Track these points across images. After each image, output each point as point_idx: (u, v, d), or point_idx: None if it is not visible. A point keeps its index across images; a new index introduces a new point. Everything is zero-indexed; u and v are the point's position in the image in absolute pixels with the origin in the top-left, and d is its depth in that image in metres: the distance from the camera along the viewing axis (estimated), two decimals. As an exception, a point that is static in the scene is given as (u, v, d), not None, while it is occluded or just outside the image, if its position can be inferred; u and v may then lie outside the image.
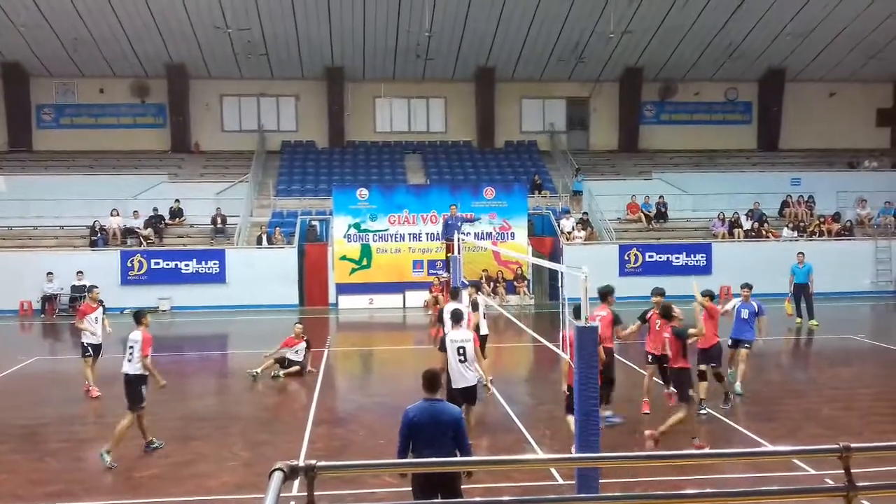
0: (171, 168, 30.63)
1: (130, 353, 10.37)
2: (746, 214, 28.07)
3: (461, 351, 9.93)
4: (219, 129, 32.73)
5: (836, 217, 28.55)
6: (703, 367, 11.73)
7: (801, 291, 20.11)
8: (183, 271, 24.97)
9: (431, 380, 6.88)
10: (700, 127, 33.90)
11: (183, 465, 9.98)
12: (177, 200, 27.57)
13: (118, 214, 26.51)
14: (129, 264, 24.80)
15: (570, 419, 9.27)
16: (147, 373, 10.34)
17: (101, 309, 14.03)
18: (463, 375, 9.90)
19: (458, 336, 10.07)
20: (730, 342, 12.97)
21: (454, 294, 13.09)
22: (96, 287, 14.75)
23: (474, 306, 12.92)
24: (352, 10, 27.97)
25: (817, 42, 30.88)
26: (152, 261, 24.94)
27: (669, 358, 10.62)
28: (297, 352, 15.07)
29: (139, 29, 28.55)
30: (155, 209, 26.98)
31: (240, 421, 11.97)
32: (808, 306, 20.19)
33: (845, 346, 18.33)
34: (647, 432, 10.02)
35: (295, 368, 14.87)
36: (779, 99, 33.61)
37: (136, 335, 10.44)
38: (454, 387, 9.88)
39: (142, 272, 24.86)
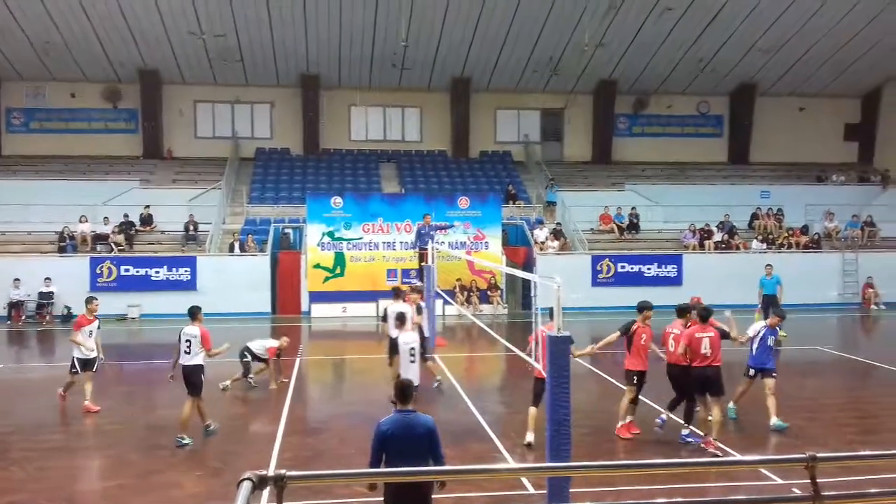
0: (143, 174, 30.32)
1: (188, 347, 11.21)
2: (717, 226, 28.42)
3: (412, 352, 10.56)
4: (192, 135, 32.47)
5: (805, 230, 29.01)
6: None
7: (770, 303, 20.34)
8: (153, 278, 24.69)
9: (404, 390, 6.75)
10: (672, 140, 34.31)
11: (150, 474, 9.85)
12: (147, 207, 27.28)
13: (87, 221, 26.15)
14: (98, 271, 24.48)
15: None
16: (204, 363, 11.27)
17: (96, 322, 13.23)
18: (414, 375, 10.52)
19: (409, 338, 10.67)
20: (750, 372, 11.94)
21: (396, 294, 13.57)
22: (95, 298, 13.77)
23: (418, 310, 13.46)
24: (328, 17, 27.96)
25: (787, 58, 31.44)
26: (122, 267, 24.64)
27: (707, 358, 10.57)
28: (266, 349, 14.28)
29: (112, 33, 28.29)
30: (125, 215, 26.67)
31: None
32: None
33: (812, 357, 18.60)
34: (705, 444, 10.42)
35: (261, 366, 14.29)
36: (749, 113, 34.14)
37: (194, 330, 11.29)
38: None
39: (111, 279, 24.54)
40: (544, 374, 10.03)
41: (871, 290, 27.10)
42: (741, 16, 28.47)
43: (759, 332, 11.80)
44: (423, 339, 12.92)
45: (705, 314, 10.90)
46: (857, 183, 33.17)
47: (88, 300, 13.59)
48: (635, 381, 11.19)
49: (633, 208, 29.10)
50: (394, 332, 12.42)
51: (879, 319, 25.68)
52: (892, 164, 33.60)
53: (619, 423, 11.28)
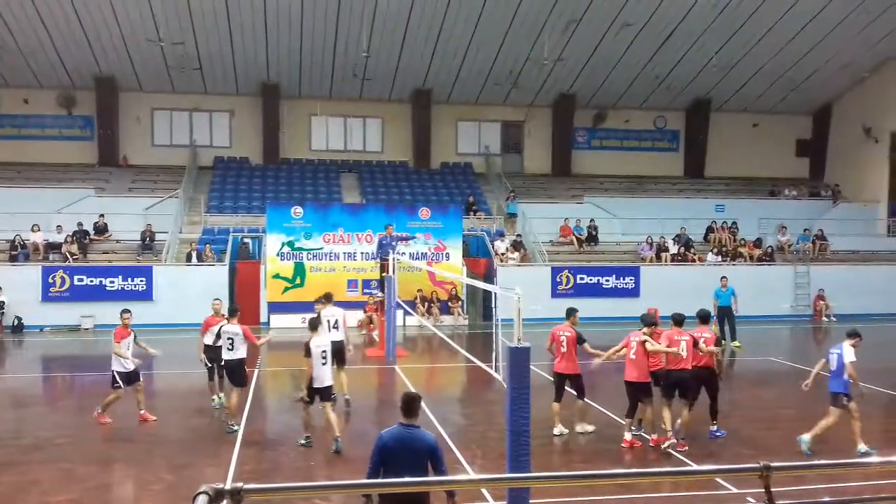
0: (98, 182, 29.76)
1: (230, 344, 12.16)
2: (673, 239, 28.89)
3: (324, 354, 11.13)
4: (149, 143, 32.00)
5: (758, 243, 29.63)
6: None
7: (725, 314, 20.77)
8: (108, 288, 24.21)
9: (409, 404, 6.58)
10: (630, 153, 34.83)
11: (103, 488, 9.64)
12: (102, 216, 26.76)
13: (40, 229, 25.56)
14: (50, 280, 23.93)
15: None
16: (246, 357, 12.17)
17: (133, 335, 12.66)
18: (326, 376, 11.23)
19: (322, 342, 11.25)
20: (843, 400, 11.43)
21: (327, 299, 14.10)
22: (128, 310, 12.83)
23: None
24: (289, 27, 27.85)
25: (741, 75, 32.19)
26: (75, 277, 24.12)
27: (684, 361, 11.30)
28: (217, 334, 13.30)
29: (68, 39, 27.80)
30: (80, 224, 26.13)
31: (164, 443, 11.62)
32: (731, 328, 20.86)
33: (766, 367, 18.97)
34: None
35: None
36: (705, 128, 34.83)
37: (235, 328, 12.22)
38: (315, 386, 11.14)
39: (64, 289, 24.00)
40: (565, 370, 11.66)
41: (822, 302, 27.76)
42: (696, 34, 29.11)
43: (839, 356, 11.29)
44: (342, 346, 13.52)
45: (707, 317, 11.89)
46: (808, 198, 34.03)
47: (122, 312, 12.74)
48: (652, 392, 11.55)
49: (591, 220, 29.43)
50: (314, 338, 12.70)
51: (830, 331, 26.30)
52: (841, 180, 34.56)
53: (654, 434, 11.48)
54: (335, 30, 28.08)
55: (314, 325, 11.55)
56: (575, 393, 12.08)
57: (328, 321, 13.72)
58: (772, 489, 3.95)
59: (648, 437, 11.58)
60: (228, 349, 12.24)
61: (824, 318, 27.50)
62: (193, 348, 14.19)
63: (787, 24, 28.58)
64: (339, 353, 13.52)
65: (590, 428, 12.21)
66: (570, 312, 12.23)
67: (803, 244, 29.85)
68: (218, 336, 12.93)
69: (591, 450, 11.44)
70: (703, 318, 12.02)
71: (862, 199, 33.31)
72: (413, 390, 7.07)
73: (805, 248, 29.70)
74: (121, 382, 12.39)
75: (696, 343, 11.45)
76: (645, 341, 11.34)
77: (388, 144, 33.66)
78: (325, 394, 11.23)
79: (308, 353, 11.09)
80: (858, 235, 30.99)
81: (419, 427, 6.54)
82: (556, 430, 11.88)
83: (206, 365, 13.37)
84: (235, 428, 12.02)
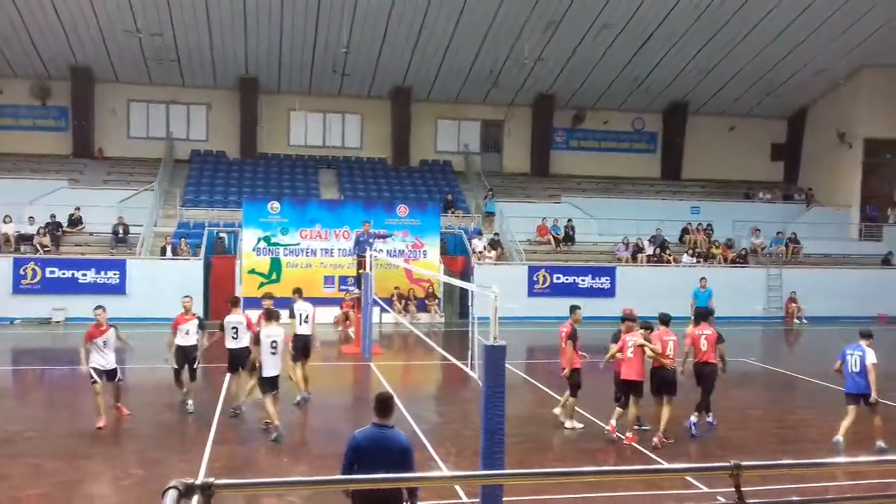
0: (72, 174, 29.38)
1: (235, 333, 12.82)
2: (649, 240, 29.09)
3: (273, 345, 11.43)
4: (125, 135, 31.63)
5: (729, 244, 29.89)
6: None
7: (702, 314, 20.89)
8: (80, 281, 23.90)
9: (383, 404, 6.48)
10: (608, 154, 35.02)
11: (73, 483, 9.53)
12: (77, 208, 26.42)
13: (12, 221, 25.17)
14: (21, 272, 23.58)
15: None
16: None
17: (112, 331, 12.17)
18: (274, 366, 11.49)
19: (272, 332, 11.56)
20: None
21: (298, 292, 14.62)
22: (101, 307, 12.29)
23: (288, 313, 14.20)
24: (268, 21, 27.66)
25: (718, 79, 32.49)
26: (47, 269, 23.78)
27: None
28: (187, 332, 13.00)
29: (44, 28, 27.39)
30: (52, 216, 25.77)
31: (135, 438, 11.52)
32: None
33: (738, 368, 19.09)
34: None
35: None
36: (682, 131, 35.11)
37: (239, 318, 12.97)
38: (264, 375, 11.43)
39: (35, 281, 23.67)
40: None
41: (794, 305, 28.11)
42: (674, 38, 29.32)
43: (860, 357, 11.39)
44: (308, 340, 13.78)
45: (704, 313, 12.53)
46: (782, 201, 34.44)
47: (94, 309, 12.20)
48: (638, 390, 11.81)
49: (569, 220, 29.55)
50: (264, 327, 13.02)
51: (801, 333, 26.67)
52: (815, 184, 35.01)
53: (629, 433, 11.74)
54: (315, 24, 27.93)
55: (269, 315, 11.88)
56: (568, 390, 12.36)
57: (300, 315, 14.03)
58: (742, 488, 4.00)
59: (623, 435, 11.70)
60: (233, 338, 12.85)
61: (796, 321, 27.85)
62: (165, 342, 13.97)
63: (764, 28, 28.89)
64: (304, 348, 13.84)
65: (579, 425, 12.35)
66: (573, 310, 12.57)
67: (776, 247, 30.20)
68: (186, 333, 12.95)
69: (564, 448, 11.51)
70: (703, 315, 12.84)
71: (835, 203, 33.78)
72: (386, 390, 7.01)
73: (778, 251, 30.05)
74: (97, 378, 11.96)
75: (720, 338, 12.35)
76: (642, 345, 11.59)
77: (367, 141, 33.56)
78: (273, 384, 11.50)
79: (257, 341, 11.51)
80: (831, 239, 31.42)
81: (393, 427, 6.48)
82: (567, 424, 12.33)
83: (173, 367, 12.98)
84: (244, 409, 12.70)
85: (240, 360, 12.77)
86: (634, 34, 29.05)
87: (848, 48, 30.60)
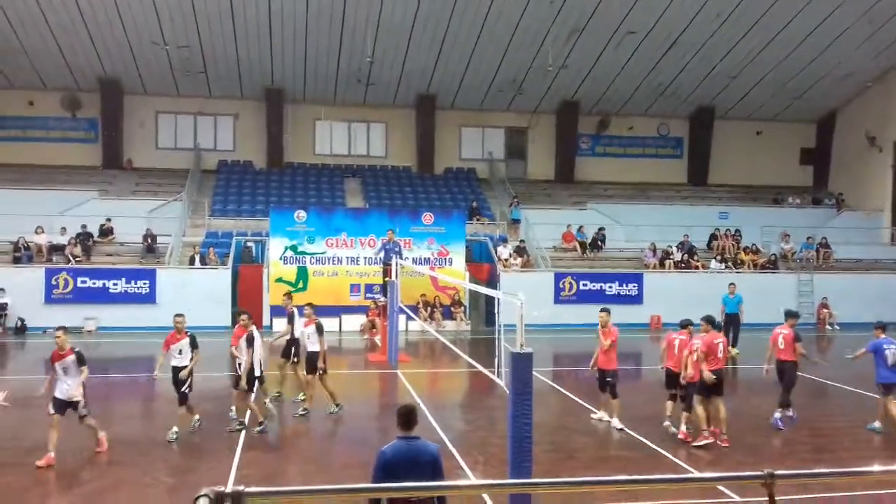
0: (102, 185, 29.83)
1: (308, 339, 13.74)
2: (677, 246, 28.84)
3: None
4: (153, 146, 32.08)
5: (753, 248, 29.46)
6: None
7: (732, 321, 20.72)
8: (111, 290, 24.24)
9: (407, 417, 6.37)
10: (633, 160, 34.84)
11: (102, 491, 9.63)
12: (108, 219, 26.80)
13: (44, 232, 25.61)
14: (53, 282, 23.96)
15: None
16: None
17: (186, 339, 12.14)
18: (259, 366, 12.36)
19: (264, 338, 12.55)
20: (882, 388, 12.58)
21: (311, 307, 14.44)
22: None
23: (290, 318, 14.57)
24: (293, 32, 27.92)
25: (744, 83, 32.21)
26: (79, 279, 24.15)
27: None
28: (180, 352, 12.24)
29: (73, 41, 27.90)
30: (83, 226, 26.17)
31: (165, 446, 11.61)
32: (734, 335, 20.80)
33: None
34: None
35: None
36: (708, 136, 34.83)
37: (310, 329, 13.75)
38: (256, 374, 12.32)
39: (67, 290, 24.03)
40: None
41: (825, 311, 27.70)
42: (699, 43, 29.13)
43: (876, 348, 12.50)
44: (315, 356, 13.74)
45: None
46: (811, 206, 33.99)
47: (56, 329, 11.49)
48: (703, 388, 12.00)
49: (600, 229, 29.35)
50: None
51: (833, 339, 26.23)
52: (845, 188, 34.53)
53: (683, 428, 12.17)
54: (340, 35, 28.14)
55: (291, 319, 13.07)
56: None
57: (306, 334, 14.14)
58: (775, 497, 3.93)
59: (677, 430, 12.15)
60: (311, 344, 13.62)
61: (828, 327, 27.44)
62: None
63: (790, 33, 28.60)
64: (310, 363, 13.77)
65: (618, 424, 12.54)
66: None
67: (807, 252, 29.80)
68: (179, 353, 12.02)
69: (593, 456, 11.43)
70: (788, 314, 13.44)
71: (866, 207, 33.28)
72: (408, 402, 6.90)
73: (809, 257, 29.64)
74: (52, 409, 10.67)
75: (797, 338, 12.81)
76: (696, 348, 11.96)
77: (391, 149, 33.70)
78: (259, 380, 12.49)
79: (251, 342, 12.15)
80: (862, 244, 30.94)
81: (419, 438, 6.38)
82: (604, 418, 12.81)
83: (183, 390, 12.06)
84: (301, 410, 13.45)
85: (310, 362, 13.63)
86: (658, 40, 28.91)
87: (876, 51, 30.21)
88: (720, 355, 11.91)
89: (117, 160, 31.29)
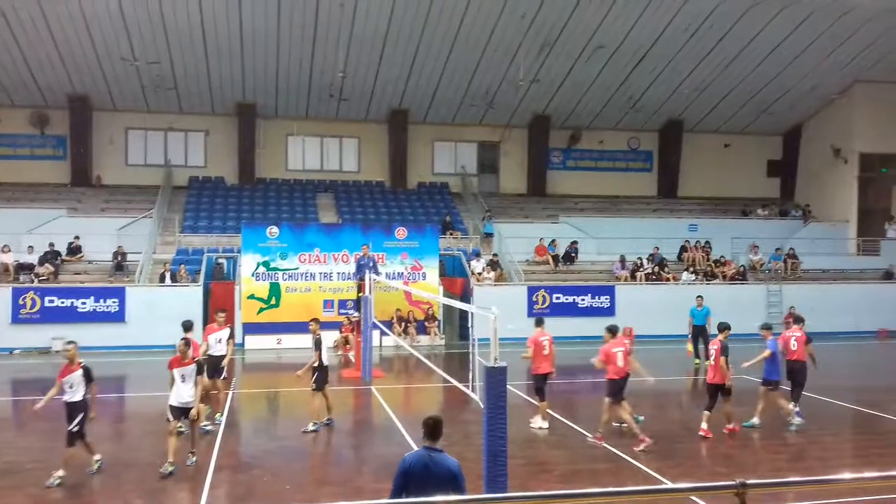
0: (71, 202, 29.45)
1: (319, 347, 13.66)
2: (647, 258, 29.12)
3: (182, 375, 11.26)
4: (123, 162, 31.75)
5: (721, 260, 29.82)
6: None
7: (700, 333, 20.93)
8: (79, 310, 23.88)
9: (433, 427, 6.41)
10: (604, 174, 35.16)
11: (73, 514, 9.44)
12: (77, 237, 26.44)
13: (10, 251, 25.18)
14: (20, 302, 23.53)
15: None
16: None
17: (194, 365, 11.45)
18: (185, 394, 11.31)
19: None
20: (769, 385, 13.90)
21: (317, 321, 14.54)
22: (187, 339, 12.06)
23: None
24: (265, 47, 27.87)
25: (712, 97, 32.72)
26: (46, 298, 23.75)
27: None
28: (70, 386, 11.18)
29: (41, 58, 27.59)
30: (51, 244, 25.80)
31: (136, 467, 11.43)
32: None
33: (738, 386, 19.05)
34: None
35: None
36: (677, 149, 35.28)
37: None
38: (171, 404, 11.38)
39: (34, 310, 23.62)
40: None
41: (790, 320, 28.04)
42: (668, 57, 29.56)
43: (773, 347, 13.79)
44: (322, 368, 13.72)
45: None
46: (779, 217, 34.54)
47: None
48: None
49: (573, 242, 29.53)
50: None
51: (778, 354, 26.53)
52: (811, 199, 35.13)
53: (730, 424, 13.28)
54: (311, 50, 28.15)
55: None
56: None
57: (325, 346, 14.17)
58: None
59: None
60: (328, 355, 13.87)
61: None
62: (166, 370, 13.83)
63: (756, 47, 29.14)
64: (213, 367, 14.04)
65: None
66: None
67: (775, 263, 30.22)
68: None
69: (566, 469, 11.45)
70: (796, 319, 14.90)
71: (831, 218, 33.87)
72: (436, 413, 6.86)
73: (777, 268, 30.07)
74: (171, 416, 11.32)
75: (809, 340, 14.19)
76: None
77: (364, 164, 33.69)
78: (186, 414, 11.34)
79: (200, 370, 11.49)
80: (828, 254, 31.48)
81: (442, 451, 6.36)
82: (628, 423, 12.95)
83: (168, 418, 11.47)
84: (311, 427, 13.37)
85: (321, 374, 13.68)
86: (628, 55, 29.29)
87: (840, 65, 30.87)
88: (620, 363, 12.57)
89: (86, 177, 30.92)
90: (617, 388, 12.58)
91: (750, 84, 31.76)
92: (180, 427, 11.62)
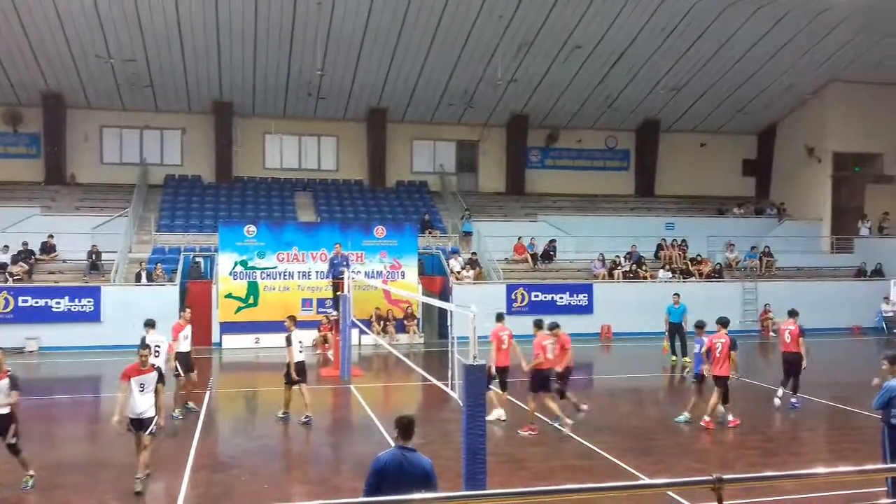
0: (45, 201, 29.06)
1: (301, 347, 14.22)
2: (625, 256, 29.31)
3: (142, 385, 10.33)
4: (98, 160, 31.37)
5: (698, 258, 30.11)
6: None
7: (676, 331, 21.10)
8: (54, 309, 23.59)
9: (407, 427, 6.44)
10: (582, 173, 35.31)
11: (48, 516, 9.33)
12: (50, 236, 26.12)
13: (-18, 249, 24.84)
14: (-7, 302, 23.23)
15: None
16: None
17: (154, 374, 10.58)
18: (141, 405, 10.43)
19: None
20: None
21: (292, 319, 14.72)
22: (145, 347, 10.94)
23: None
24: (242, 45, 27.68)
25: (688, 96, 32.99)
26: (20, 298, 23.43)
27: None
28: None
29: (14, 55, 27.19)
30: (25, 243, 25.45)
31: (112, 468, 11.32)
32: (682, 345, 21.17)
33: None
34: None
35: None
36: (654, 148, 35.52)
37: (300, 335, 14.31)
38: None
39: (7, 310, 23.29)
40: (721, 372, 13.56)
41: (768, 318, 28.38)
42: (644, 57, 29.75)
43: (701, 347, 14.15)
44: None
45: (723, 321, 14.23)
46: (754, 215, 34.90)
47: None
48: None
49: (551, 241, 29.63)
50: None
51: (778, 346, 26.87)
52: (786, 198, 35.54)
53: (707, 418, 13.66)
54: (289, 48, 27.99)
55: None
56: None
57: (299, 342, 14.34)
58: (724, 501, 4.03)
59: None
60: (300, 352, 14.05)
61: (771, 333, 28.08)
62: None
63: (732, 47, 29.41)
64: (303, 372, 14.23)
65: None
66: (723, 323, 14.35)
67: (750, 261, 30.55)
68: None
69: (545, 466, 11.50)
70: (790, 313, 15.89)
71: (806, 216, 34.29)
72: (409, 413, 6.88)
73: (752, 265, 30.39)
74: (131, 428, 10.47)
75: (802, 333, 15.25)
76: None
77: (343, 163, 33.58)
78: (143, 425, 10.31)
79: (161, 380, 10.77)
80: (802, 252, 31.89)
81: (416, 450, 6.39)
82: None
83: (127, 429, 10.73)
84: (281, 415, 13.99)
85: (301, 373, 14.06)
86: (605, 55, 29.45)
87: (814, 65, 31.24)
88: (550, 356, 13.14)
89: (60, 175, 30.52)
90: (544, 379, 13.12)
91: (726, 84, 32.06)
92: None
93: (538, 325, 13.67)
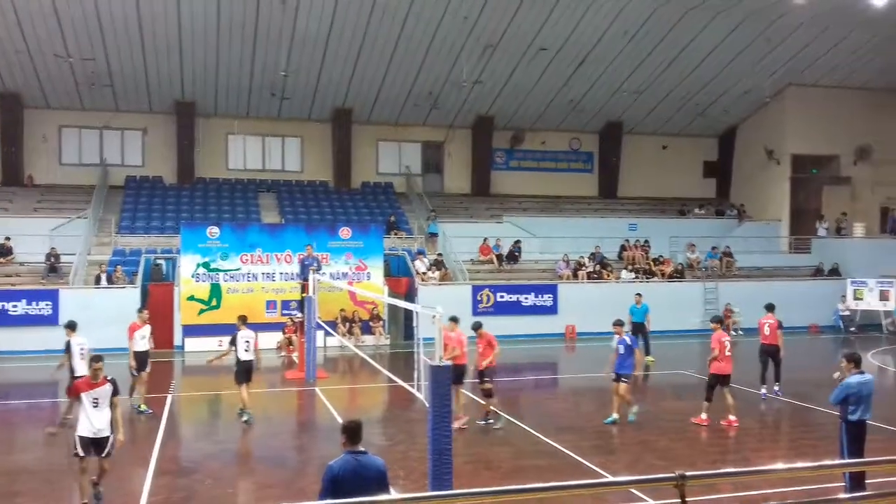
0: (1, 202, 28.41)
1: (247, 346, 14.21)
2: (589, 257, 29.56)
3: (95, 401, 9.67)
4: (56, 161, 30.75)
5: (661, 258, 30.53)
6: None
7: (639, 330, 21.35)
8: (11, 313, 23.07)
9: (355, 431, 6.39)
10: (546, 174, 35.54)
11: (5, 524, 9.13)
12: (7, 238, 25.54)
13: (-65, 251, 24.21)
14: (-54, 306, 22.64)
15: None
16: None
17: (108, 386, 9.82)
18: (97, 422, 9.70)
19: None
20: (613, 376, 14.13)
21: (242, 319, 14.82)
22: (99, 359, 9.96)
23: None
24: (204, 44, 27.36)
25: (650, 99, 33.39)
26: (-25, 302, 22.88)
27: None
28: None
29: (-33, 52, 26.57)
30: (-21, 246, 24.87)
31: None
32: (644, 344, 21.43)
33: (677, 380, 19.57)
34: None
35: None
36: (617, 150, 35.90)
37: (250, 334, 14.43)
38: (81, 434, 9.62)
39: (-38, 314, 22.73)
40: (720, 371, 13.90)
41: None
42: (607, 60, 30.07)
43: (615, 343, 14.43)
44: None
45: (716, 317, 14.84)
46: (715, 217, 35.46)
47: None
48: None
49: (516, 242, 29.77)
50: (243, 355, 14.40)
51: (738, 344, 27.30)
52: (746, 199, 36.16)
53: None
54: (252, 48, 27.73)
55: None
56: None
57: (245, 342, 14.31)
58: (687, 498, 4.09)
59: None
60: (245, 351, 14.19)
61: (732, 332, 28.52)
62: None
63: (693, 51, 29.88)
64: (247, 373, 14.29)
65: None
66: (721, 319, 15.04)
67: (711, 261, 31.03)
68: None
69: (512, 467, 11.56)
70: (768, 307, 16.47)
71: (765, 217, 34.93)
72: (354, 417, 6.85)
73: (713, 265, 30.87)
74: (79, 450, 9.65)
75: (780, 326, 16.07)
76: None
77: (307, 164, 33.36)
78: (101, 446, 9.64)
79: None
80: (762, 252, 32.46)
81: (367, 452, 6.36)
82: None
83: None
84: (246, 417, 14.01)
85: (249, 373, 14.28)
86: (569, 57, 29.69)
87: (773, 69, 31.83)
88: (459, 350, 13.21)
89: (18, 177, 29.86)
90: (459, 374, 13.09)
91: (687, 87, 32.54)
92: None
93: (454, 319, 13.59)
